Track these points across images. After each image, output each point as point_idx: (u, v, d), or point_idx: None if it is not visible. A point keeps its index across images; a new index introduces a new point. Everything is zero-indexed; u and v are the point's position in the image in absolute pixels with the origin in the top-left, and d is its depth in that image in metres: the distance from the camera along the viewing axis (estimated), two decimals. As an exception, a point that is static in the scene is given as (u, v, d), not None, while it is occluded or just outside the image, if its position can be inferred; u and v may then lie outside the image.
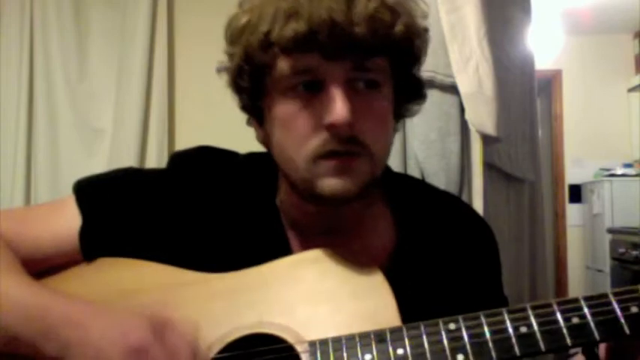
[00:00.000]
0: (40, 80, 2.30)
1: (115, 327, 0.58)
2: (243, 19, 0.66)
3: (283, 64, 0.64)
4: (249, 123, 0.75)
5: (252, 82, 0.68)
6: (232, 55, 0.68)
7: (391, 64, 0.67)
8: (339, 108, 0.61)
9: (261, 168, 0.77)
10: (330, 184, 0.64)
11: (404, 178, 0.87)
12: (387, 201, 0.78)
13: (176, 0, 2.41)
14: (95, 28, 2.36)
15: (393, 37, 0.64)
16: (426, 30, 0.70)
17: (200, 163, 0.77)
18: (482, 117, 1.30)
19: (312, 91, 0.64)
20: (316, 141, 0.64)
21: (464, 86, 1.30)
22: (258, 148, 0.80)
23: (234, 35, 0.67)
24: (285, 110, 0.66)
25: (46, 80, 2.30)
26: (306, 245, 0.72)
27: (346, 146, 0.63)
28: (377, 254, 0.73)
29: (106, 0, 2.37)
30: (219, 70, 0.71)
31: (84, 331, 0.58)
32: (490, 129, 1.30)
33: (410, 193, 0.80)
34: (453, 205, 0.83)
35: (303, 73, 0.64)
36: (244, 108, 0.73)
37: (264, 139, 0.72)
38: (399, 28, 0.64)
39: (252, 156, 0.80)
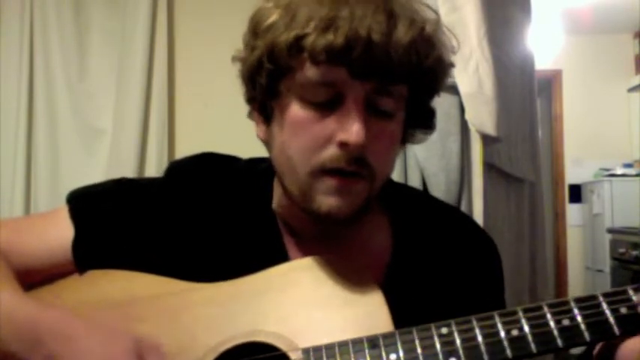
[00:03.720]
0: (40, 80, 2.30)
1: (102, 341, 0.59)
2: (274, 15, 0.63)
3: (308, 72, 0.62)
4: (250, 116, 0.74)
5: (270, 80, 0.65)
6: (253, 48, 0.66)
7: (409, 91, 0.66)
8: (356, 129, 0.61)
9: (258, 173, 0.76)
10: (328, 203, 0.64)
11: (404, 189, 0.86)
12: (385, 211, 0.77)
13: (176, 0, 2.41)
14: (95, 28, 2.36)
15: (423, 68, 0.63)
16: (452, 65, 0.69)
17: (196, 172, 0.77)
18: (482, 117, 1.30)
19: (329, 104, 0.63)
20: (325, 155, 0.63)
21: (464, 86, 1.30)
22: (258, 147, 0.80)
23: (260, 28, 0.65)
24: (299, 117, 0.64)
25: (46, 80, 2.30)
26: (303, 250, 0.72)
27: (353, 167, 0.63)
28: (373, 264, 0.72)
29: (106, 0, 2.37)
30: (234, 59, 0.70)
31: (71, 345, 0.58)
32: (490, 129, 1.30)
33: (409, 204, 0.79)
34: (453, 217, 0.82)
35: (326, 85, 0.62)
36: (250, 101, 0.71)
37: (267, 138, 0.71)
38: (430, 60, 0.63)
39: (252, 161, 0.79)
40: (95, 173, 2.26)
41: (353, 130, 0.61)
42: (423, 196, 0.88)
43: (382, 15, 0.60)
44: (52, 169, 2.29)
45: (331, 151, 0.63)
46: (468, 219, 0.85)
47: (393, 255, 0.74)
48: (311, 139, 0.63)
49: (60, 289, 0.72)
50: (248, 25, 0.68)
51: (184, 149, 2.43)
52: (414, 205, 0.79)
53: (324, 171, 0.63)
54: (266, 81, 0.66)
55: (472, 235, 0.79)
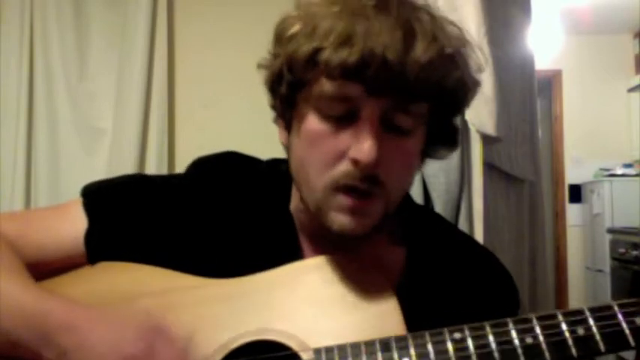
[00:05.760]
0: (40, 80, 2.30)
1: (112, 335, 0.59)
2: (297, 25, 0.63)
3: (324, 86, 0.61)
4: (275, 122, 0.73)
5: (289, 90, 0.65)
6: (276, 57, 0.66)
7: (430, 109, 0.65)
8: (367, 147, 0.60)
9: (278, 174, 0.76)
10: (341, 221, 0.63)
11: (422, 211, 0.84)
12: (401, 231, 0.76)
13: (176, 0, 2.41)
14: (95, 28, 2.36)
15: (443, 88, 0.62)
16: (476, 84, 0.67)
17: (217, 169, 0.77)
18: (482, 117, 1.30)
19: (345, 118, 0.62)
20: (338, 170, 0.63)
21: (464, 86, 1.30)
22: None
23: (283, 38, 0.65)
24: (315, 129, 0.64)
25: (46, 80, 2.30)
26: (318, 252, 0.71)
27: (366, 185, 0.62)
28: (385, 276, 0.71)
29: (106, 0, 2.37)
30: (260, 66, 0.69)
31: (81, 338, 0.58)
32: (490, 129, 1.30)
33: (426, 227, 0.77)
34: (471, 247, 0.80)
35: (341, 99, 0.62)
36: (273, 108, 0.71)
37: (287, 146, 0.71)
38: (451, 80, 0.62)
39: (273, 162, 0.80)
40: (95, 173, 2.25)
41: (365, 148, 0.60)
42: (443, 223, 0.85)
43: (400, 32, 0.58)
44: (52, 169, 2.29)
45: (344, 167, 0.62)
46: (488, 252, 0.82)
47: (405, 274, 0.73)
48: (325, 152, 0.63)
49: (70, 280, 0.72)
50: (274, 32, 0.67)
51: (184, 149, 2.43)
52: (431, 229, 0.78)
53: (338, 187, 0.63)
54: (286, 91, 0.66)
55: (489, 267, 0.77)
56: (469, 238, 0.85)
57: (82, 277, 0.72)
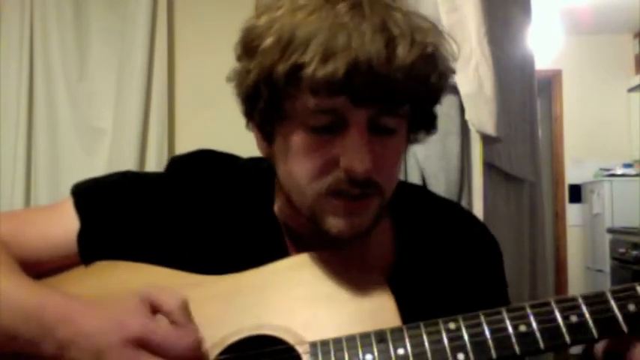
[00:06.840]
0: (40, 80, 2.30)
1: (111, 319, 0.58)
2: (269, 38, 0.60)
3: (308, 101, 0.60)
4: (248, 127, 0.72)
5: (268, 104, 0.64)
6: (248, 70, 0.63)
7: (412, 104, 0.65)
8: (361, 157, 0.60)
9: (260, 174, 0.76)
10: (338, 224, 0.63)
11: (405, 186, 0.84)
12: (387, 210, 0.76)
13: (176, 0, 2.41)
14: (95, 28, 2.36)
15: (427, 88, 0.62)
16: (453, 71, 0.67)
17: (199, 168, 0.77)
18: (482, 117, 1.30)
19: (332, 128, 0.62)
20: (330, 179, 0.62)
21: (464, 86, 1.30)
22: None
23: (254, 49, 0.62)
24: (302, 143, 0.63)
25: (46, 80, 2.30)
26: (304, 251, 0.72)
27: (360, 189, 0.62)
28: (377, 265, 0.72)
29: (106, 0, 2.37)
30: (229, 79, 0.68)
31: (80, 328, 0.58)
32: (490, 129, 1.30)
33: (410, 202, 0.79)
34: (453, 213, 0.82)
35: (327, 112, 0.61)
36: (248, 117, 0.70)
37: (269, 156, 0.70)
38: (433, 79, 0.62)
39: (252, 161, 0.79)
40: (95, 173, 2.21)
41: (358, 159, 0.60)
42: (423, 192, 0.87)
43: (380, 37, 0.58)
44: (52, 168, 2.29)
45: (337, 175, 0.62)
46: (469, 214, 0.85)
47: (396, 255, 0.74)
48: (316, 164, 0.63)
49: (66, 280, 0.72)
50: (240, 39, 0.65)
51: (184, 149, 2.42)
52: (416, 203, 0.79)
53: (331, 193, 0.63)
54: (264, 105, 0.64)
55: (473, 232, 0.80)
56: (448, 202, 0.86)
57: (77, 277, 0.72)
